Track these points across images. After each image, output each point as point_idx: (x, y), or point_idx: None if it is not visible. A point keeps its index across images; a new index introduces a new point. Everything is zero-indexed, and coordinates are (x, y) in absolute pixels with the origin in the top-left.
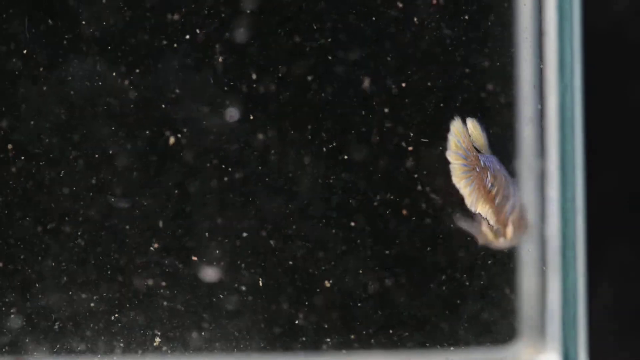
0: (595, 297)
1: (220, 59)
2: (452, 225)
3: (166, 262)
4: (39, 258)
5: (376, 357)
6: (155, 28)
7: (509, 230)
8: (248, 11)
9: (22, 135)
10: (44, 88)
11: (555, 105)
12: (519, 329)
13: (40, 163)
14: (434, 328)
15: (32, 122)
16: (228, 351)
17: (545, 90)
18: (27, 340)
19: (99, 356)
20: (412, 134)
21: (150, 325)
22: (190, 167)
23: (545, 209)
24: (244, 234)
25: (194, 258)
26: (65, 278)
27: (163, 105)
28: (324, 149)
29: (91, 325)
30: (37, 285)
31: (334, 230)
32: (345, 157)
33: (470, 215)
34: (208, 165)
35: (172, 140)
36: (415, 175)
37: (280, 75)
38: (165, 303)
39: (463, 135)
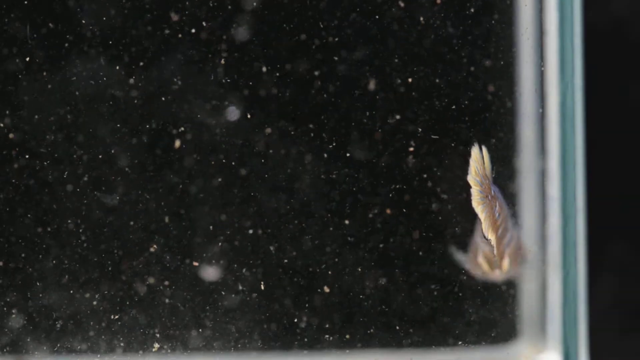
0: (596, 296)
1: (223, 56)
2: (454, 227)
3: (167, 260)
4: (40, 257)
5: (376, 356)
6: (156, 25)
7: (505, 262)
8: (251, 8)
9: (23, 133)
10: (48, 86)
11: (556, 105)
12: (520, 328)
13: (43, 162)
14: (434, 328)
15: (33, 120)
16: (227, 350)
17: (546, 90)
18: (27, 340)
19: (99, 356)
20: (416, 133)
21: (151, 324)
22: (192, 166)
23: (545, 207)
24: (246, 232)
25: (195, 264)
26: (66, 277)
27: (165, 104)
28: (328, 148)
29: (92, 324)
30: (38, 284)
31: (335, 229)
32: (348, 155)
33: (464, 247)
34: (212, 162)
35: (177, 142)
36: (420, 174)
37: (283, 73)
38: (167, 301)
39: (480, 162)
